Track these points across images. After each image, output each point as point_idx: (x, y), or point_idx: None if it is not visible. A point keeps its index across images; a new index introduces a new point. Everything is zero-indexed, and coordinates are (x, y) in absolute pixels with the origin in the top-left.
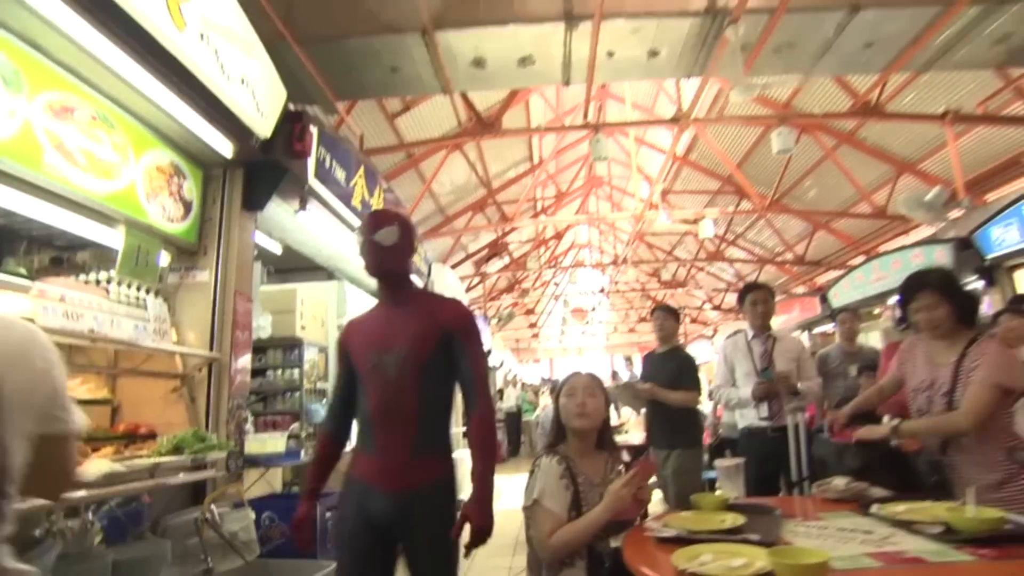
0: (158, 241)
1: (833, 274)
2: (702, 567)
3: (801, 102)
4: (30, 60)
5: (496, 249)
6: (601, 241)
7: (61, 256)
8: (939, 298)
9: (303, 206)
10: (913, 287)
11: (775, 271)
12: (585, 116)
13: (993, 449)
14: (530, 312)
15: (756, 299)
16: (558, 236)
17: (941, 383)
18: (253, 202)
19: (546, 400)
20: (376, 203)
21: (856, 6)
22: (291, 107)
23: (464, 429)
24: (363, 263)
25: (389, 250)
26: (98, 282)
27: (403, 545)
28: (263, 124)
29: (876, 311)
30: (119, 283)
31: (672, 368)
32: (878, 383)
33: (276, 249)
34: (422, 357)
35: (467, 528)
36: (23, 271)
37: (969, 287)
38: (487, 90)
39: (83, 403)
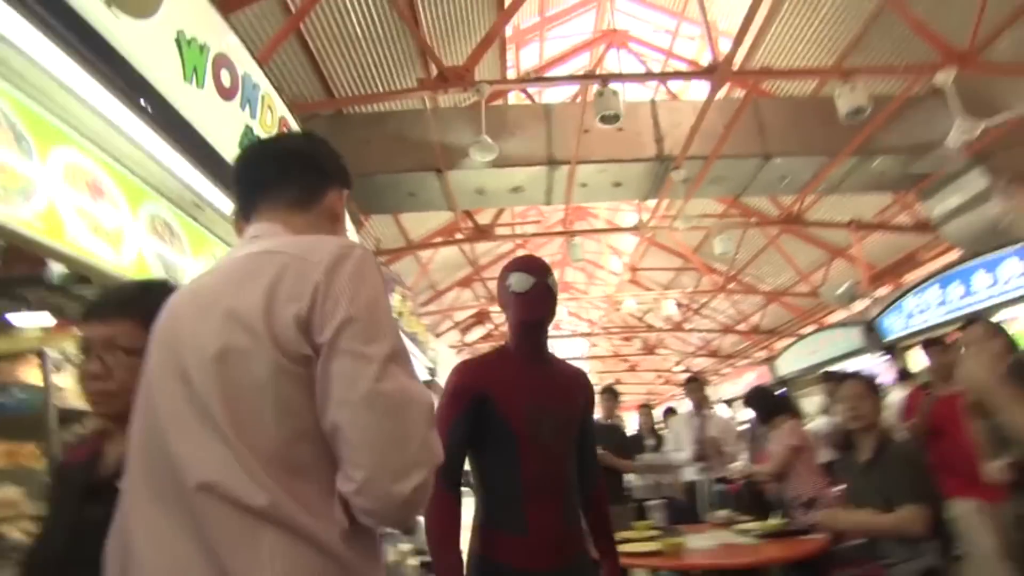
0: None
1: (787, 340)
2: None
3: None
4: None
5: (480, 318)
6: (577, 308)
7: None
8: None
9: None
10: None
11: (737, 337)
12: (564, 224)
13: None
14: None
15: (691, 388)
16: None
17: None
18: None
19: None
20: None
21: (768, 155)
22: None
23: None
24: (524, 311)
25: (554, 297)
26: None
27: None
28: None
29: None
30: None
31: (616, 439)
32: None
33: None
34: (577, 424)
35: None
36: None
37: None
38: (484, 207)
39: None
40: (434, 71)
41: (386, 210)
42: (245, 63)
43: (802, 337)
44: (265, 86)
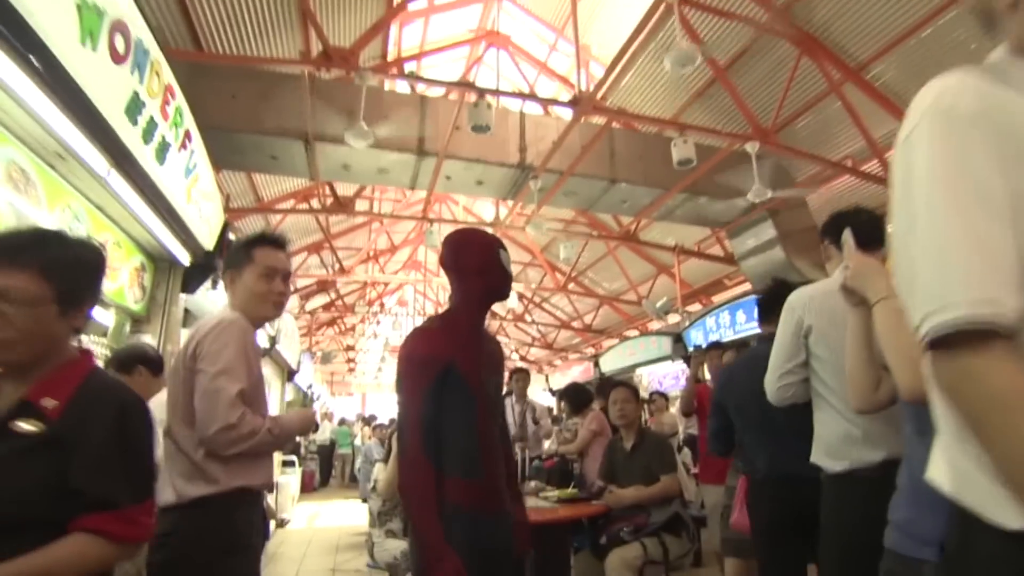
0: (127, 317)
1: (613, 341)
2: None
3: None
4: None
5: (323, 286)
6: (425, 287)
7: None
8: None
9: (214, 286)
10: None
11: (570, 333)
12: (424, 211)
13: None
14: (349, 348)
15: (517, 379)
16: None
17: None
18: (190, 288)
19: (366, 432)
20: None
21: (615, 180)
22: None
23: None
24: (504, 288)
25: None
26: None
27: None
28: (210, 242)
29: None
30: (106, 346)
31: None
32: None
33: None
34: (502, 387)
35: None
36: None
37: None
38: (348, 182)
39: None
40: (314, 40)
41: (242, 168)
42: (139, 29)
43: (625, 339)
44: (155, 52)
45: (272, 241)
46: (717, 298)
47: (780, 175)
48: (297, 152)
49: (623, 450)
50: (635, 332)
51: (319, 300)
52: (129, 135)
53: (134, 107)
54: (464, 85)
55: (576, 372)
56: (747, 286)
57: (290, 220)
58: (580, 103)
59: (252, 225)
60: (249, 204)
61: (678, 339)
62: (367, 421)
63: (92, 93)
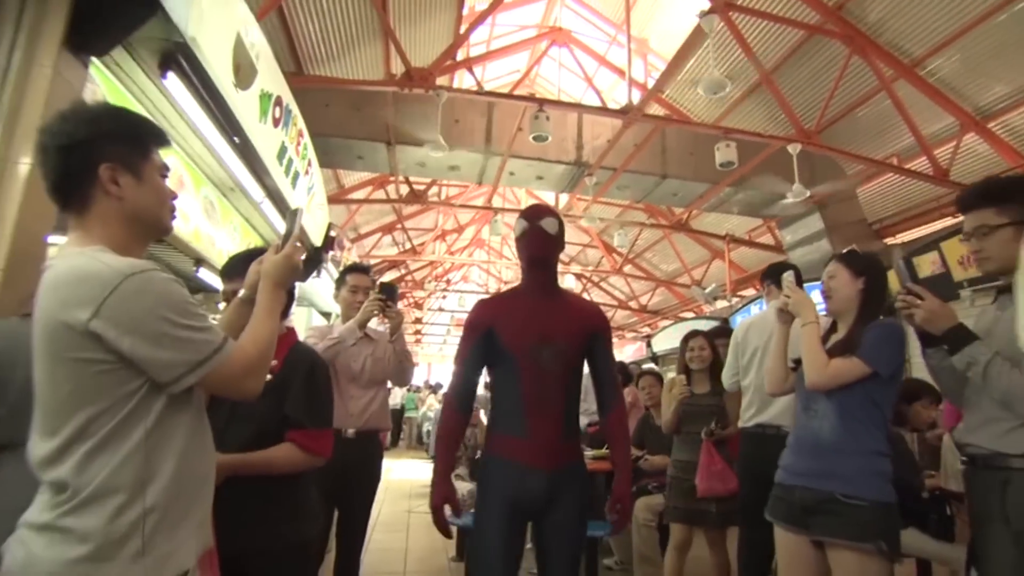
0: None
1: (668, 322)
2: None
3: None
4: None
5: (393, 264)
6: (489, 265)
7: None
8: None
9: (318, 275)
10: None
11: (628, 313)
12: (489, 200)
13: None
14: (417, 321)
15: None
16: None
17: None
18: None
19: (431, 401)
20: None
21: (664, 175)
22: None
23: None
24: (521, 252)
25: (551, 239)
26: None
27: (543, 521)
28: (319, 240)
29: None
30: None
31: None
32: None
33: None
34: (577, 355)
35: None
36: None
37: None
38: (423, 176)
39: None
40: (395, 58)
41: (332, 166)
42: (288, 99)
43: (677, 321)
44: (295, 110)
45: (358, 268)
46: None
47: (828, 172)
48: (380, 153)
49: (652, 425)
50: (691, 314)
51: (390, 275)
52: (277, 172)
53: (281, 153)
54: (527, 99)
55: (630, 351)
56: None
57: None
58: (629, 112)
59: (336, 213)
60: (332, 191)
61: (725, 323)
62: (433, 389)
63: (260, 149)
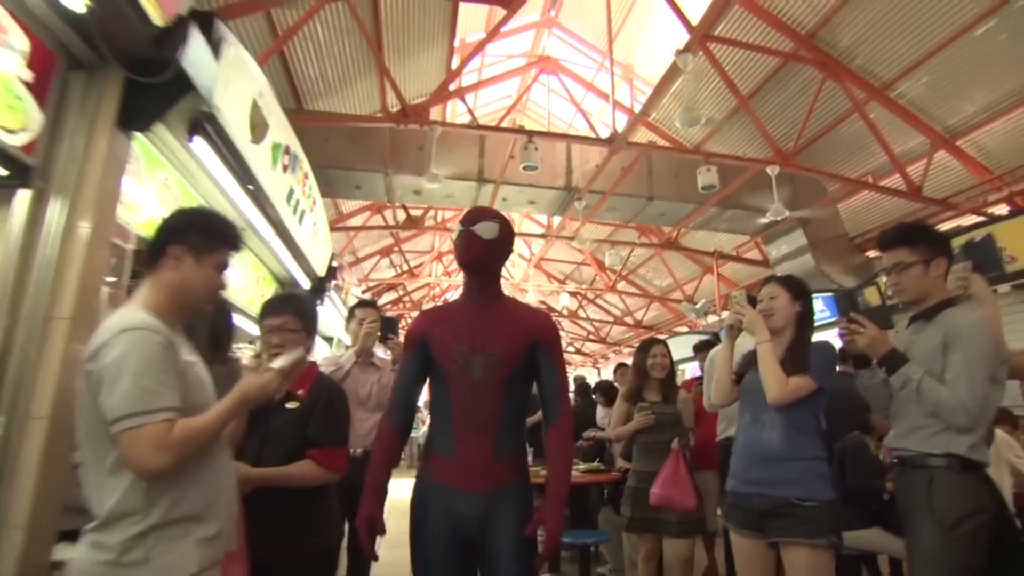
0: None
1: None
2: None
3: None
4: None
5: (393, 285)
6: None
7: None
8: None
9: (322, 303)
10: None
11: (623, 328)
12: None
13: None
14: None
15: None
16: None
17: None
18: None
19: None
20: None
21: (651, 197)
22: None
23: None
24: (456, 256)
25: (487, 244)
26: None
27: (482, 546)
28: (322, 271)
29: None
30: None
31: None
32: None
33: None
34: (513, 365)
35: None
36: None
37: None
38: (418, 203)
39: None
40: (390, 91)
41: (331, 196)
42: (295, 147)
43: (671, 335)
44: (302, 155)
45: (366, 304)
46: None
47: (809, 189)
48: (377, 182)
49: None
50: (685, 329)
51: (388, 296)
52: (285, 213)
53: (289, 196)
54: (517, 131)
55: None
56: None
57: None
58: (614, 140)
59: (335, 238)
60: (331, 216)
61: (717, 338)
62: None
63: (271, 193)
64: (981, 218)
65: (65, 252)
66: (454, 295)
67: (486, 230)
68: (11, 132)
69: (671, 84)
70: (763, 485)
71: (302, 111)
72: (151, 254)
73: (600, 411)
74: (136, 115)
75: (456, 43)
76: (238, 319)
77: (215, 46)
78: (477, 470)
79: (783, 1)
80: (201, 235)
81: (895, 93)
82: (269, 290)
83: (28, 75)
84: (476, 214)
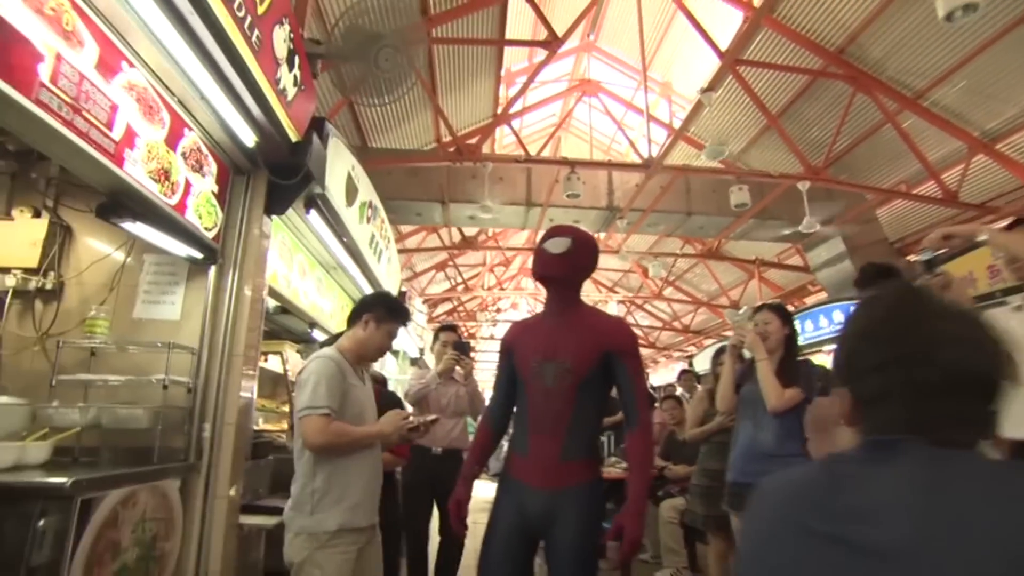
0: None
1: (712, 340)
2: None
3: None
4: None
5: (448, 298)
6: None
7: None
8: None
9: None
10: None
11: (671, 333)
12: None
13: None
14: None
15: None
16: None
17: None
18: None
19: None
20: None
21: (690, 212)
22: None
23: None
24: (532, 269)
25: (555, 258)
26: None
27: (546, 541)
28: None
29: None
30: None
31: None
32: None
33: None
34: (582, 372)
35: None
36: None
37: None
38: (473, 226)
39: None
40: (444, 131)
41: (395, 223)
42: (376, 201)
43: (720, 340)
44: (379, 205)
45: (449, 328)
46: (809, 300)
47: (846, 197)
48: (435, 210)
49: (676, 440)
50: (731, 333)
51: (443, 308)
52: (368, 255)
53: (372, 240)
54: (560, 162)
55: (678, 368)
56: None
57: (416, 241)
58: (650, 166)
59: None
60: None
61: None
62: None
63: (359, 241)
64: None
65: (238, 308)
66: (506, 303)
67: (555, 245)
68: (208, 229)
69: (698, 116)
70: (760, 476)
71: (366, 148)
72: (352, 317)
73: None
74: (277, 204)
75: (503, 72)
76: (322, 335)
77: (324, 141)
78: (546, 469)
79: (810, 20)
80: (385, 309)
81: (928, 102)
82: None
83: (215, 188)
84: (552, 231)
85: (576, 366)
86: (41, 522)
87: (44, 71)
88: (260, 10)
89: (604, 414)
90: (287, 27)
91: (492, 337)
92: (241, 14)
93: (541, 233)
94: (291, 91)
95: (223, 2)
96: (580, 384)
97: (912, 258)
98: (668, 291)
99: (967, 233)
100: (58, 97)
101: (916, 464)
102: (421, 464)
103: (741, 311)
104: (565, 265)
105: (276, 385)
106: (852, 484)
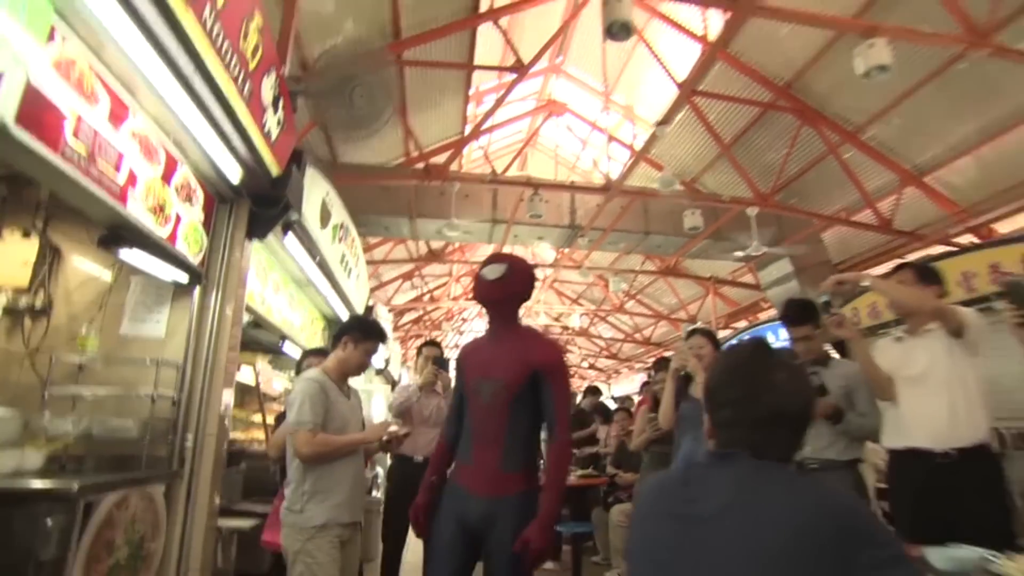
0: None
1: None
2: None
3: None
4: None
5: (413, 307)
6: None
7: None
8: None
9: None
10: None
11: (633, 345)
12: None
13: None
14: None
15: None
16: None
17: None
18: None
19: None
20: None
21: (648, 232)
22: None
23: None
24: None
25: (490, 284)
26: None
27: (484, 546)
28: (360, 310)
29: None
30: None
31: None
32: None
33: None
34: (514, 389)
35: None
36: None
37: None
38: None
39: None
40: (413, 149)
41: (363, 236)
42: (348, 222)
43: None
44: (352, 230)
45: (432, 343)
46: (763, 315)
47: (793, 221)
48: (403, 224)
49: (626, 450)
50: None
51: (410, 316)
52: (339, 272)
53: (342, 259)
54: (524, 183)
55: (638, 380)
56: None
57: (383, 252)
58: (609, 188)
59: None
60: None
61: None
62: None
63: (330, 260)
64: (949, 248)
65: (220, 326)
66: (472, 312)
67: (491, 271)
68: (195, 255)
69: (654, 145)
70: None
71: (336, 163)
72: (335, 339)
73: (601, 430)
74: (258, 230)
75: (471, 91)
76: (292, 348)
77: (302, 171)
78: (487, 479)
79: (762, 55)
80: (361, 331)
81: (866, 136)
82: (319, 327)
83: (201, 216)
84: (489, 259)
85: (509, 383)
86: (49, 522)
87: (68, 128)
88: (252, 66)
89: (539, 429)
90: (274, 75)
91: (457, 346)
92: (235, 73)
93: (507, 248)
94: (275, 132)
95: (222, 66)
96: (512, 401)
97: (815, 298)
98: (630, 304)
99: (855, 279)
100: (78, 152)
101: (741, 469)
102: (403, 472)
103: (695, 326)
104: (499, 290)
105: (247, 395)
106: (697, 481)
